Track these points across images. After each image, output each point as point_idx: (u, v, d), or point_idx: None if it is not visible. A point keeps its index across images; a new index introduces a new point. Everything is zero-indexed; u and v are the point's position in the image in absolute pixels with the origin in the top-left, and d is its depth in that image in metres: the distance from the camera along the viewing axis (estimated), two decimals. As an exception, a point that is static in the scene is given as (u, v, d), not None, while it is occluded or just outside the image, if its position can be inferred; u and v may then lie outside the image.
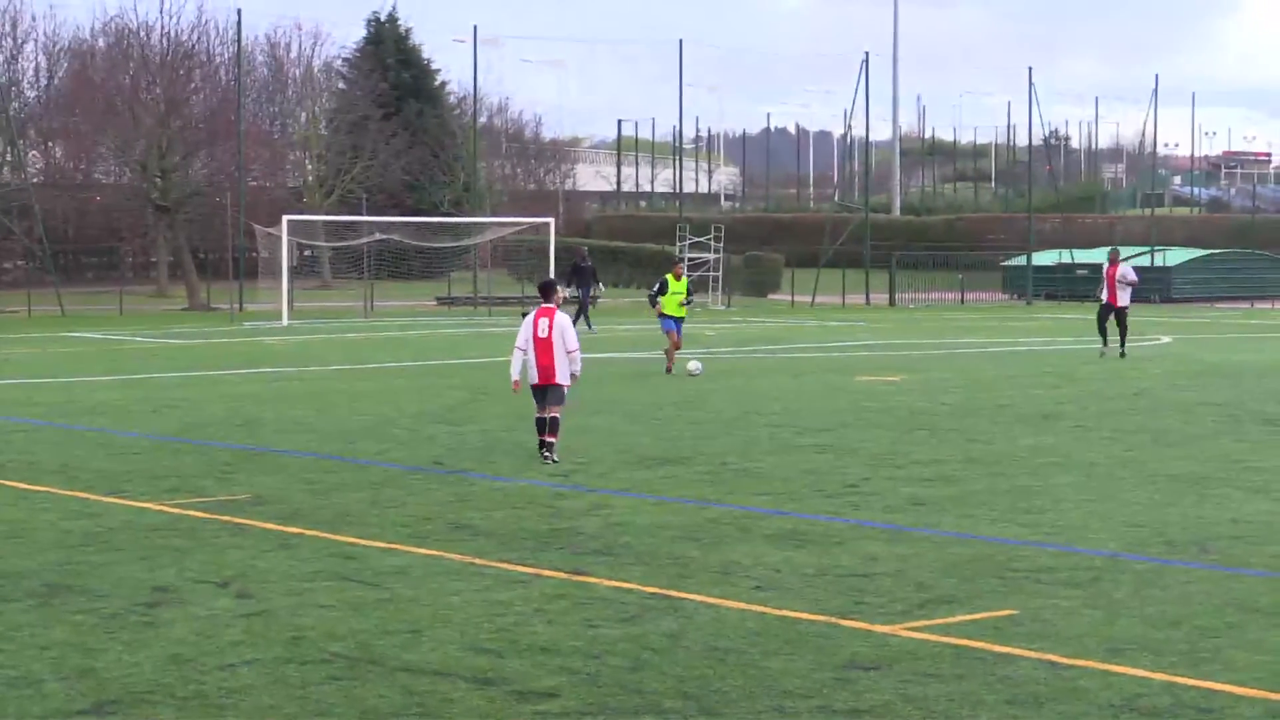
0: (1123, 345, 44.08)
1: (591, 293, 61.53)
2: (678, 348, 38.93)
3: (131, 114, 77.88)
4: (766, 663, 13.18)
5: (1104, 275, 45.12)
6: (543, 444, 24.05)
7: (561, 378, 24.03)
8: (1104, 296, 44.43)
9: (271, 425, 29.73)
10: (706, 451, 25.96)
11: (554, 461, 23.82)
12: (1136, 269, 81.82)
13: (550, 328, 23.95)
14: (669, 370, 38.29)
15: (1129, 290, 44.47)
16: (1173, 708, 11.84)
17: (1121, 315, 44.07)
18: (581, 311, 59.06)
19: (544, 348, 23.89)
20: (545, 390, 24.07)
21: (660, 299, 39.19)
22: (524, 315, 25.31)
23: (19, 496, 21.82)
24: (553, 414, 24.03)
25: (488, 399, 32.98)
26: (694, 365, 29.66)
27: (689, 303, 40.01)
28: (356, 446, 26.73)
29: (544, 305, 24.55)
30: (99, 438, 28.21)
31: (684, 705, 12.00)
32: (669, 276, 39.68)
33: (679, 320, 39.21)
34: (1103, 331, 44.20)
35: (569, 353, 24.05)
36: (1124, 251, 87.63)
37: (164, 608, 15.29)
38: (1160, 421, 28.53)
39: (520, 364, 24.32)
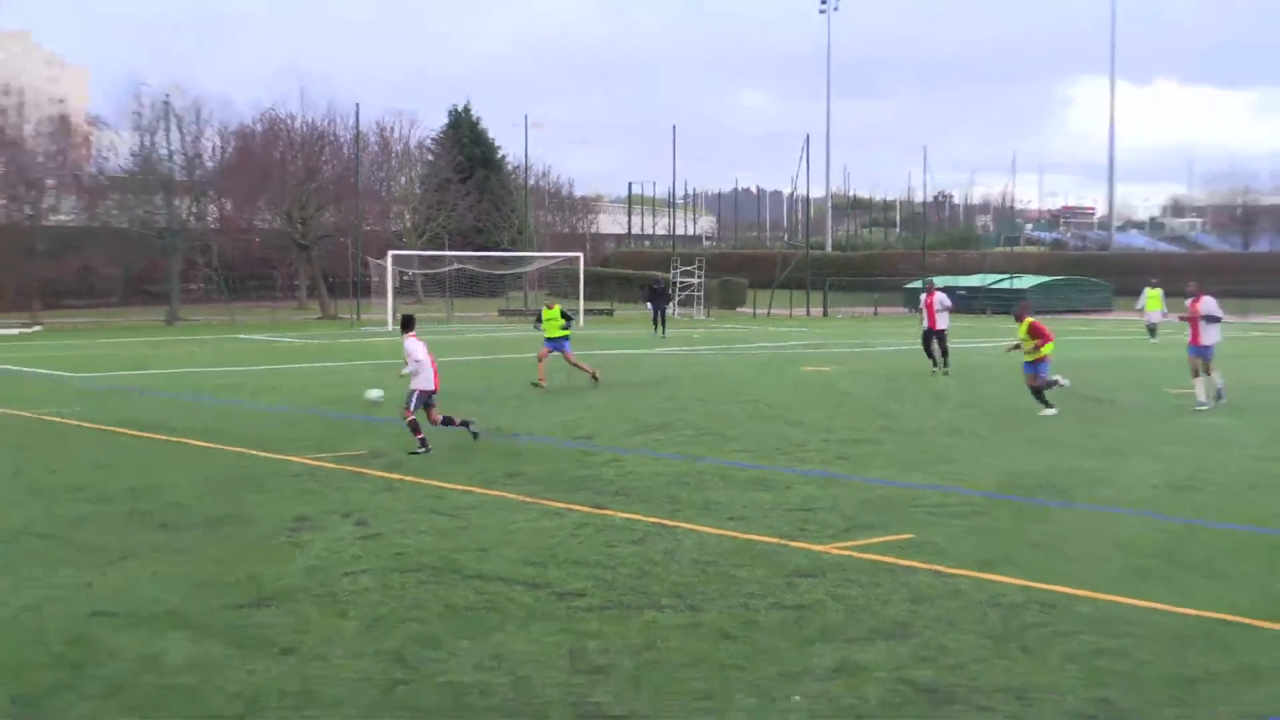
0: (945, 363, 37.14)
1: (668, 310, 61.03)
2: (540, 369, 33.25)
3: (280, 179, 77.99)
4: (735, 572, 13.22)
5: (922, 305, 38.38)
6: (453, 423, 22.54)
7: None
8: (924, 323, 37.65)
9: (394, 400, 29.72)
10: (690, 421, 25.97)
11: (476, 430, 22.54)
12: (993, 290, 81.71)
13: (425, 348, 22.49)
14: (540, 383, 32.74)
15: (947, 314, 37.72)
16: (1025, 604, 11.88)
17: (942, 337, 37.28)
18: (659, 321, 58.81)
19: (433, 363, 22.47)
20: (434, 394, 22.46)
21: (541, 325, 34.35)
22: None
23: (199, 452, 21.86)
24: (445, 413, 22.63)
25: (524, 382, 32.87)
26: (374, 393, 26.06)
27: (568, 325, 34.28)
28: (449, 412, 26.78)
29: (412, 332, 22.84)
30: (258, 409, 28.25)
31: (676, 602, 12.05)
32: (543, 309, 35.00)
33: (558, 340, 33.61)
34: (930, 354, 37.15)
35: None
36: (990, 278, 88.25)
37: (304, 532, 15.34)
38: (1021, 401, 28.47)
39: (428, 376, 22.34)
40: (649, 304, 61.19)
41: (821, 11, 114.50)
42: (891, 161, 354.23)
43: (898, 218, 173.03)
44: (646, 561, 13.71)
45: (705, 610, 11.80)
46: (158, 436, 23.67)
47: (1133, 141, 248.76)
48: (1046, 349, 26.93)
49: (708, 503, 17.01)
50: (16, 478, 19.43)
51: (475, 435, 22.75)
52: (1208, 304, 27.88)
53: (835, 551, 14.08)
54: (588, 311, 72.36)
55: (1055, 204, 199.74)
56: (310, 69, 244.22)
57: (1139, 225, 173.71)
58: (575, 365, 33.81)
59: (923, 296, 38.85)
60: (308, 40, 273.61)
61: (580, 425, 25.26)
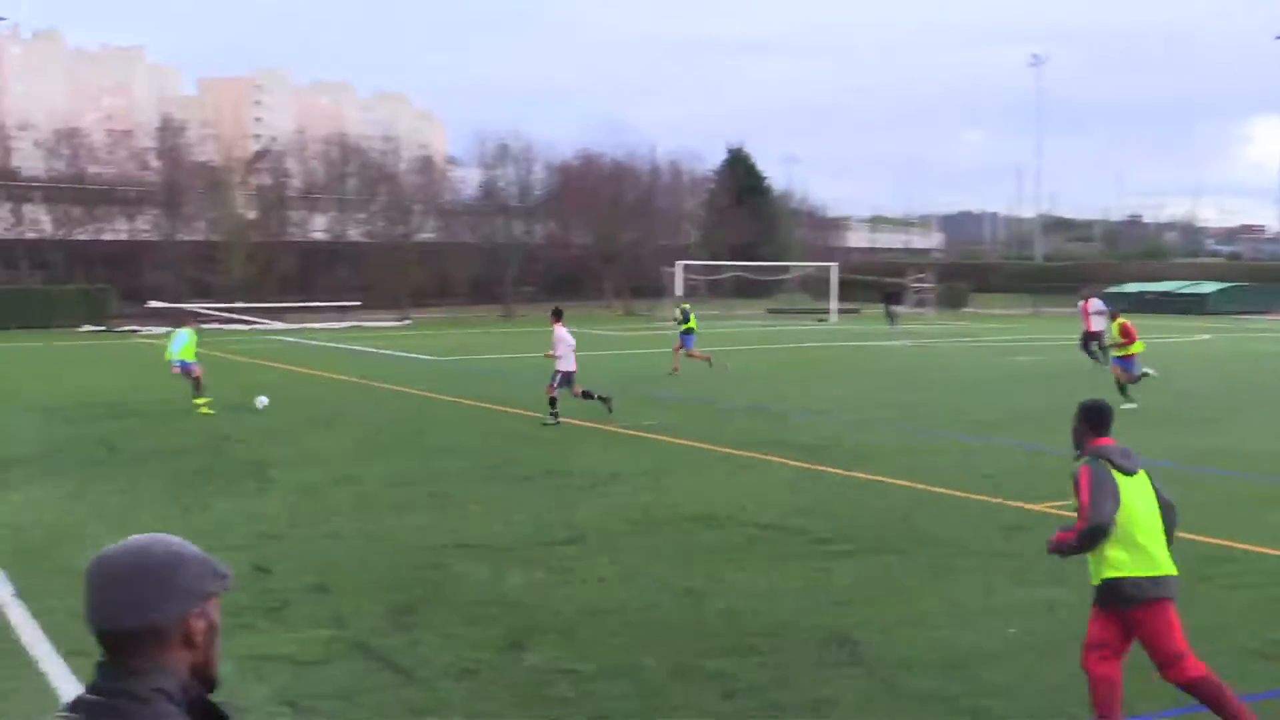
0: (1105, 357, 31.39)
1: (897, 308, 60.16)
2: (707, 358, 32.15)
3: (593, 204, 79.10)
4: (959, 524, 13.03)
5: (1081, 311, 34.13)
6: (591, 397, 21.81)
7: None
8: (1083, 326, 33.50)
9: (680, 380, 29.92)
10: (921, 399, 25.57)
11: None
12: (1179, 295, 78.50)
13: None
14: (710, 363, 31.79)
15: (1101, 317, 32.89)
16: (1210, 556, 11.45)
17: (1098, 337, 32.64)
18: (892, 318, 58.28)
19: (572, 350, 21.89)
20: (573, 374, 21.82)
21: (681, 325, 33.20)
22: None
23: (531, 421, 22.25)
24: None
25: (788, 365, 32.77)
26: (261, 400, 23.55)
27: (687, 322, 32.99)
28: (722, 393, 26.83)
29: (561, 322, 22.33)
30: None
31: (912, 547, 11.91)
32: (687, 309, 34.18)
33: (687, 335, 32.73)
34: (1090, 353, 32.84)
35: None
36: (1176, 284, 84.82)
37: (611, 484, 15.57)
38: (1188, 385, 27.32)
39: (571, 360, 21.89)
40: (885, 304, 60.97)
41: (1030, 65, 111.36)
42: (1091, 186, 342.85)
43: (1096, 234, 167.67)
44: (887, 514, 13.57)
45: (935, 554, 11.63)
46: (499, 407, 24.24)
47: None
48: (1135, 347, 24.67)
49: (937, 467, 16.74)
50: (391, 435, 20.13)
51: (609, 408, 21.79)
52: None
53: (1041, 509, 13.74)
54: (840, 310, 71.80)
55: (1233, 222, 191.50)
56: (617, 116, 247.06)
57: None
58: (691, 355, 32.56)
59: (1080, 303, 34.82)
60: (616, 94, 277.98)
61: (829, 401, 25.07)
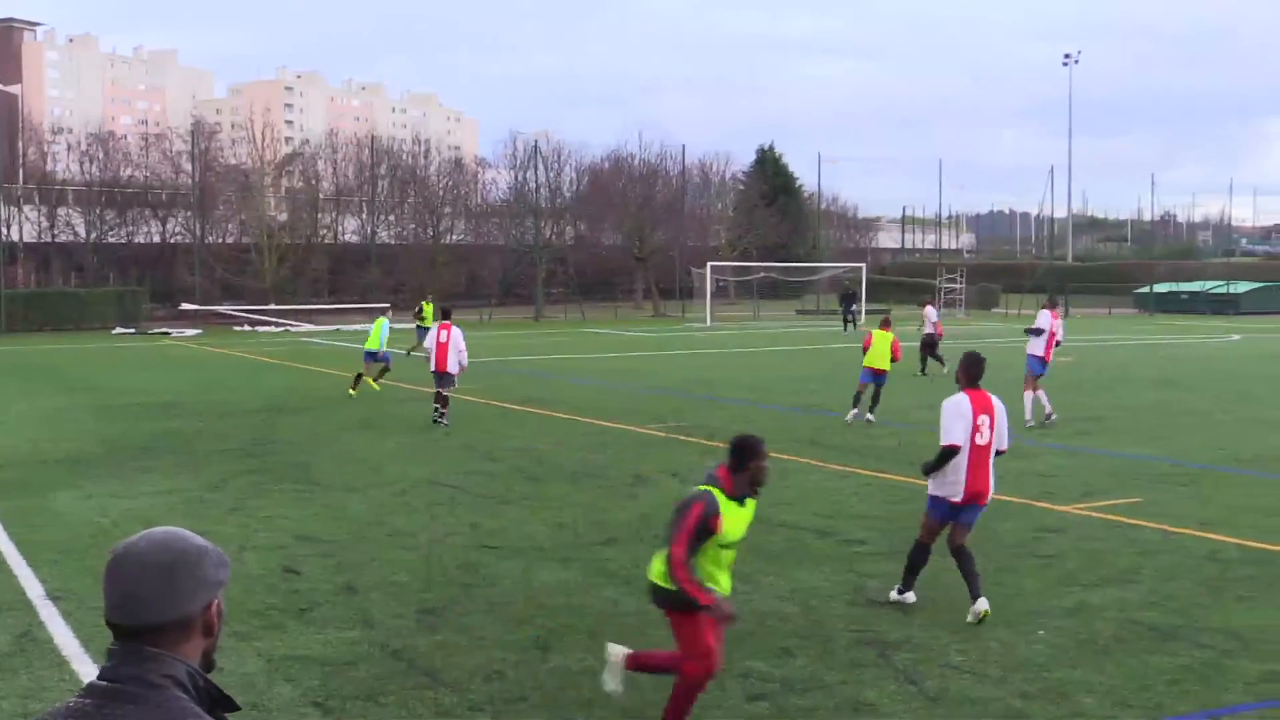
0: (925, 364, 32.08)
1: (854, 308, 58.96)
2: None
3: (623, 205, 79.10)
4: (993, 526, 12.92)
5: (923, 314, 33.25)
6: (438, 410, 21.76)
7: (450, 368, 21.94)
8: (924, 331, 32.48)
9: (712, 382, 29.91)
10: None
11: (446, 425, 21.47)
12: (1211, 295, 77.88)
13: (448, 336, 21.96)
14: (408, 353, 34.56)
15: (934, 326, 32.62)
16: (1239, 559, 11.37)
17: (934, 343, 31.91)
18: (848, 320, 57.43)
19: (442, 350, 21.83)
20: (440, 376, 21.81)
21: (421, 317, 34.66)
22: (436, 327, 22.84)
23: (563, 422, 22.22)
24: (444, 393, 21.86)
25: (833, 372, 32.61)
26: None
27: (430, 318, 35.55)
28: (754, 394, 26.81)
29: (444, 322, 22.37)
30: (606, 389, 28.67)
31: (943, 550, 11.82)
32: (423, 304, 36.12)
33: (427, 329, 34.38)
34: (936, 358, 32.02)
35: (460, 352, 21.99)
36: (1209, 284, 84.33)
37: (640, 486, 15.55)
38: (1236, 386, 27.09)
39: (433, 359, 21.94)
40: (841, 307, 58.83)
41: (1064, 64, 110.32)
42: (1123, 186, 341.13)
43: (1128, 234, 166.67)
44: (918, 516, 13.51)
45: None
46: (531, 409, 24.25)
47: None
48: (875, 360, 22.56)
49: (967, 469, 16.67)
50: (426, 438, 20.16)
51: (435, 421, 21.73)
52: (1043, 318, 23.71)
53: (1075, 511, 13.67)
54: (868, 311, 71.63)
55: (1267, 221, 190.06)
56: (647, 118, 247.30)
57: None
58: (416, 351, 35.11)
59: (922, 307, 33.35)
60: (647, 94, 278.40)
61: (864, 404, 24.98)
